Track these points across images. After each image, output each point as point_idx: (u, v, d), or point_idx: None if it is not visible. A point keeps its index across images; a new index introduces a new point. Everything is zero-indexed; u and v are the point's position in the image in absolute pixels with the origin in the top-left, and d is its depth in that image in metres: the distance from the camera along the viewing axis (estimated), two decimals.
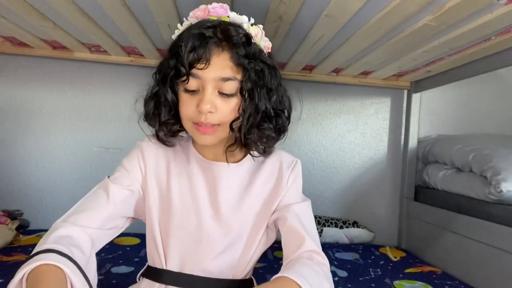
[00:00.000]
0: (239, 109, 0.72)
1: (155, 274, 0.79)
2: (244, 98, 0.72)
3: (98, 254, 0.71)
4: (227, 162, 0.79)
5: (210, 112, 0.70)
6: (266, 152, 0.81)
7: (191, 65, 0.69)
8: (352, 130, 1.92)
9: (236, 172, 0.81)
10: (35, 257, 0.57)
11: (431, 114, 1.95)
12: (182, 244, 0.77)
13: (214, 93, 0.70)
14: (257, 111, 0.72)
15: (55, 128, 1.73)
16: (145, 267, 0.84)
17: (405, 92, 1.91)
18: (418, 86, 1.82)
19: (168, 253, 0.78)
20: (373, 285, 1.26)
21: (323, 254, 0.73)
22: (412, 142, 1.86)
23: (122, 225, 0.79)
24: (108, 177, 0.78)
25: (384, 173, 1.92)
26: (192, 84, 0.71)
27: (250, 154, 0.81)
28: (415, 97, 1.85)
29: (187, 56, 0.69)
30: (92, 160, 1.74)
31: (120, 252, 1.43)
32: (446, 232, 1.55)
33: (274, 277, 0.63)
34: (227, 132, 0.74)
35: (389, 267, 1.48)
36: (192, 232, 0.77)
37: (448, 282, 1.34)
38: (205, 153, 0.82)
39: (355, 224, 1.80)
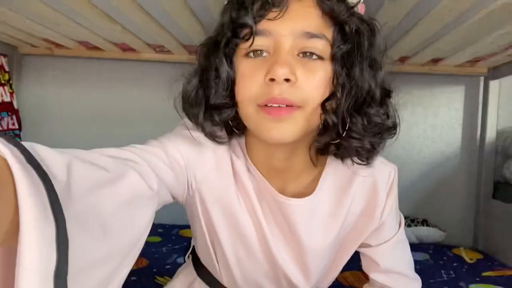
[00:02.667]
0: (332, 82, 0.50)
1: (209, 278, 0.68)
2: (339, 65, 0.49)
3: None
4: (313, 163, 0.57)
5: (287, 80, 0.47)
6: (370, 156, 0.54)
7: (258, 16, 0.48)
8: (420, 122, 1.80)
9: (319, 205, 0.59)
10: None
11: None
12: (249, 277, 0.63)
13: (292, 55, 0.49)
14: (359, 88, 0.49)
15: (131, 128, 1.83)
16: (191, 249, 0.74)
17: (482, 79, 1.74)
18: (497, 72, 1.65)
19: (225, 275, 0.64)
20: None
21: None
22: (490, 134, 1.70)
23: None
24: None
25: (457, 169, 1.78)
26: (259, 42, 0.49)
27: (352, 160, 0.54)
28: (493, 84, 1.68)
29: (251, 2, 0.48)
30: None
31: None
32: None
33: None
34: (311, 122, 0.51)
35: (464, 270, 1.37)
36: (267, 272, 0.62)
37: None
38: (266, 171, 0.58)
39: (424, 222, 1.69)
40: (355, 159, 0.54)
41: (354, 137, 0.51)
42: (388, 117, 0.53)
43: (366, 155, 0.53)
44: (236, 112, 0.54)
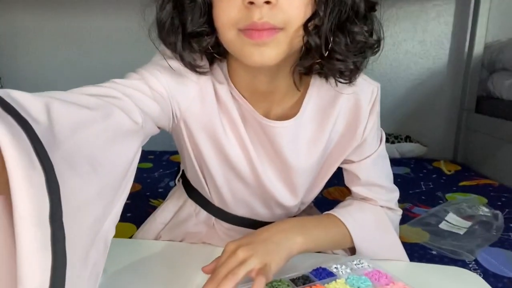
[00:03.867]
0: (315, 0, 0.47)
1: (200, 200, 0.70)
2: None
3: None
4: (296, 87, 0.56)
5: (267, 2, 0.45)
6: (353, 75, 0.53)
7: None
8: (408, 38, 1.76)
9: (302, 127, 0.59)
10: None
11: (502, 14, 1.71)
12: (239, 198, 0.65)
13: None
14: (343, 3, 0.47)
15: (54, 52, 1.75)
16: (180, 173, 0.75)
17: None
18: None
19: (216, 197, 0.67)
20: (423, 198, 1.25)
21: (393, 204, 0.66)
22: (478, 48, 1.68)
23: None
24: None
25: (443, 84, 1.79)
26: None
27: (336, 79, 0.54)
28: None
29: None
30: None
31: None
32: (508, 144, 1.46)
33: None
34: (293, 44, 0.49)
35: (442, 181, 1.45)
36: (256, 191, 0.64)
37: (505, 195, 1.30)
38: (250, 94, 0.57)
39: (407, 138, 1.74)
40: (338, 78, 0.54)
41: (337, 58, 0.50)
42: (371, 34, 0.51)
43: (349, 75, 0.53)
44: (217, 38, 0.51)
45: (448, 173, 1.55)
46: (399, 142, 1.72)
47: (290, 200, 0.65)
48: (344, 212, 0.62)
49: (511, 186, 1.39)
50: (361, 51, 0.51)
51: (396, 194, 0.67)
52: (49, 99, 0.33)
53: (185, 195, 0.73)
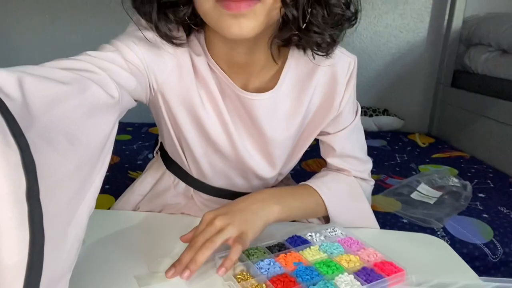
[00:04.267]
0: None
1: (179, 172, 0.70)
2: None
3: None
4: (274, 59, 0.56)
5: None
6: (330, 48, 0.54)
7: None
8: (389, 11, 1.76)
9: (280, 99, 0.59)
10: None
11: None
12: (217, 170, 0.66)
13: None
14: None
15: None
16: (158, 145, 0.75)
17: None
18: None
19: (194, 169, 0.67)
20: (397, 169, 1.29)
21: (366, 174, 0.68)
22: (457, 22, 1.69)
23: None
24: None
25: (421, 58, 1.81)
26: None
27: (314, 51, 0.54)
28: None
29: None
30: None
31: None
32: (481, 118, 1.50)
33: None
34: (271, 16, 0.48)
35: (416, 153, 1.49)
36: (234, 164, 0.64)
37: (475, 166, 1.35)
38: (228, 66, 0.57)
39: (385, 112, 1.77)
40: (316, 51, 0.54)
41: (314, 31, 0.50)
42: (348, 6, 0.51)
43: (326, 47, 0.53)
44: (194, 9, 0.50)
45: (423, 145, 1.60)
46: (377, 115, 1.75)
47: (268, 171, 0.66)
48: (319, 183, 0.63)
49: (482, 159, 1.44)
50: (338, 23, 0.51)
51: (369, 165, 0.69)
52: (22, 74, 0.32)
53: (163, 167, 0.73)
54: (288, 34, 0.52)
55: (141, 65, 0.52)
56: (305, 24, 0.49)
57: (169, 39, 0.52)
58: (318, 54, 0.55)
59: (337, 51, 0.57)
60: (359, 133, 0.68)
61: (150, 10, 0.49)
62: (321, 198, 0.61)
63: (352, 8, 0.51)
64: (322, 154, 0.69)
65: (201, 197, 0.70)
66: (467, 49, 1.72)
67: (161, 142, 0.74)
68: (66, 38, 1.71)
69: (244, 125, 0.61)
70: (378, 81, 1.83)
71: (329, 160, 0.67)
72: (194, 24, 0.53)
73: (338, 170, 0.67)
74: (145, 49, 0.52)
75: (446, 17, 1.74)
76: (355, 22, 0.53)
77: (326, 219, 0.65)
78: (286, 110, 0.61)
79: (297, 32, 0.51)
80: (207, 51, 0.56)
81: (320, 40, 0.51)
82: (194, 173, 0.67)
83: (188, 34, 0.55)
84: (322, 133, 0.66)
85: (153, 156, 0.80)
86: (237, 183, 0.68)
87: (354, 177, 0.66)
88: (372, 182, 0.70)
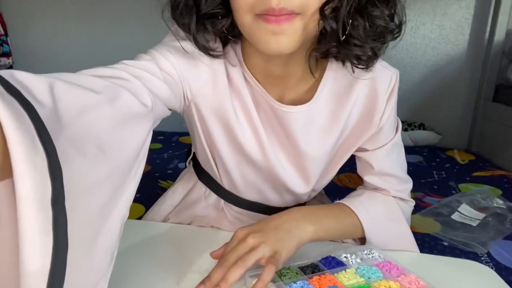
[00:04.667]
0: None
1: (210, 183, 0.69)
2: None
3: None
4: (312, 72, 0.54)
5: None
6: (371, 61, 0.51)
7: None
8: (427, 22, 1.71)
9: (316, 113, 0.57)
10: None
11: None
12: (249, 182, 0.64)
13: None
14: None
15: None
16: (191, 155, 0.74)
17: None
18: None
19: (226, 180, 0.66)
20: (435, 187, 1.23)
21: (405, 194, 0.64)
22: (499, 34, 1.62)
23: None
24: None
25: (461, 71, 1.74)
26: None
27: (353, 64, 0.52)
28: None
29: None
30: None
31: None
32: None
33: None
34: (309, 30, 0.47)
35: (455, 170, 1.42)
36: (266, 176, 0.63)
37: None
38: (263, 78, 0.56)
39: (421, 126, 1.71)
40: (355, 64, 0.52)
41: (354, 44, 0.48)
42: (392, 18, 0.48)
43: (367, 61, 0.51)
44: (232, 21, 0.50)
45: (462, 162, 1.52)
46: (412, 129, 1.69)
47: (301, 187, 0.64)
48: (355, 202, 0.60)
49: None
50: (381, 36, 0.48)
51: (409, 184, 0.65)
52: (54, 80, 0.32)
53: (195, 178, 0.73)
54: (327, 47, 0.50)
55: (176, 74, 0.51)
56: (344, 36, 0.47)
57: (207, 50, 0.52)
58: (357, 67, 0.52)
59: (377, 64, 0.54)
60: (399, 151, 0.64)
61: (189, 22, 0.49)
62: (358, 219, 0.58)
63: (396, 20, 0.49)
64: (359, 171, 0.66)
65: (232, 210, 0.69)
66: (510, 62, 1.64)
67: (193, 152, 0.73)
68: (103, 46, 1.76)
69: (278, 138, 0.59)
70: (414, 94, 1.78)
71: (367, 178, 0.64)
72: (232, 36, 0.53)
73: (376, 189, 0.64)
74: (181, 58, 0.52)
75: (488, 28, 1.67)
76: (399, 35, 0.50)
77: (362, 240, 0.62)
78: (322, 124, 0.58)
79: (335, 44, 0.48)
80: (243, 62, 0.55)
81: (361, 53, 0.49)
82: (226, 185, 0.66)
83: (224, 45, 0.54)
84: (359, 150, 0.63)
85: (185, 166, 0.80)
86: (269, 197, 0.66)
87: (393, 197, 0.63)
88: (412, 203, 0.66)
